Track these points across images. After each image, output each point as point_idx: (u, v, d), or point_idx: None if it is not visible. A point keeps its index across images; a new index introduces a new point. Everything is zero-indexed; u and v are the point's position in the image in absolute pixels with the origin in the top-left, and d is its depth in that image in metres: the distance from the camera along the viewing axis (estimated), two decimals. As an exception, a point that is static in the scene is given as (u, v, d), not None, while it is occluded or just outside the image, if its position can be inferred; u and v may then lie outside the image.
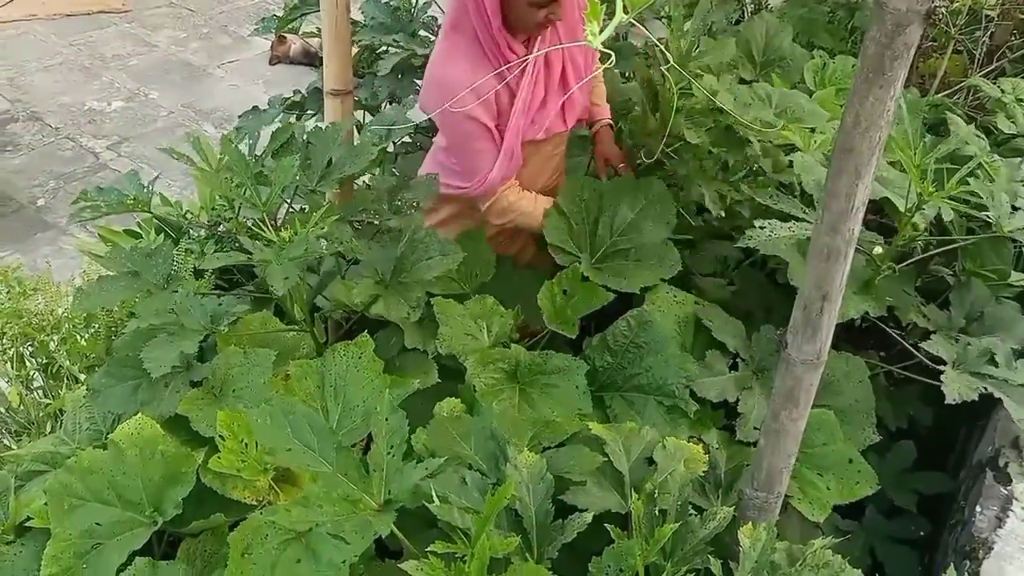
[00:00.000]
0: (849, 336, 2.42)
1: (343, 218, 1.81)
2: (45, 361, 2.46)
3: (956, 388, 1.83)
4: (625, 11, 0.95)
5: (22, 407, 2.42)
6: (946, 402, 1.82)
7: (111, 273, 2.00)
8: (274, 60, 6.16)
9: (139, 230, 3.03)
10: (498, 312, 2.01)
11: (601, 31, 0.93)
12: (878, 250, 2.05)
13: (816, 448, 1.98)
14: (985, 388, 1.88)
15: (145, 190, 2.01)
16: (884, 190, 2.13)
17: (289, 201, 2.00)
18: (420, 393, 1.89)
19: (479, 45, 2.01)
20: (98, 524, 1.74)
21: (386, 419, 1.38)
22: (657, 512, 1.53)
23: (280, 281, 1.60)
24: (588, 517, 1.46)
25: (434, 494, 1.39)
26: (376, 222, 1.87)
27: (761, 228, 1.94)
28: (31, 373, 2.47)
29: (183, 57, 6.29)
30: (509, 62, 2.02)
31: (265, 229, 1.80)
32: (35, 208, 4.64)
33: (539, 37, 2.11)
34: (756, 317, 2.29)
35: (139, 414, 1.85)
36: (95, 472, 1.79)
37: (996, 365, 1.96)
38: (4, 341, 2.40)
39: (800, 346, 1.46)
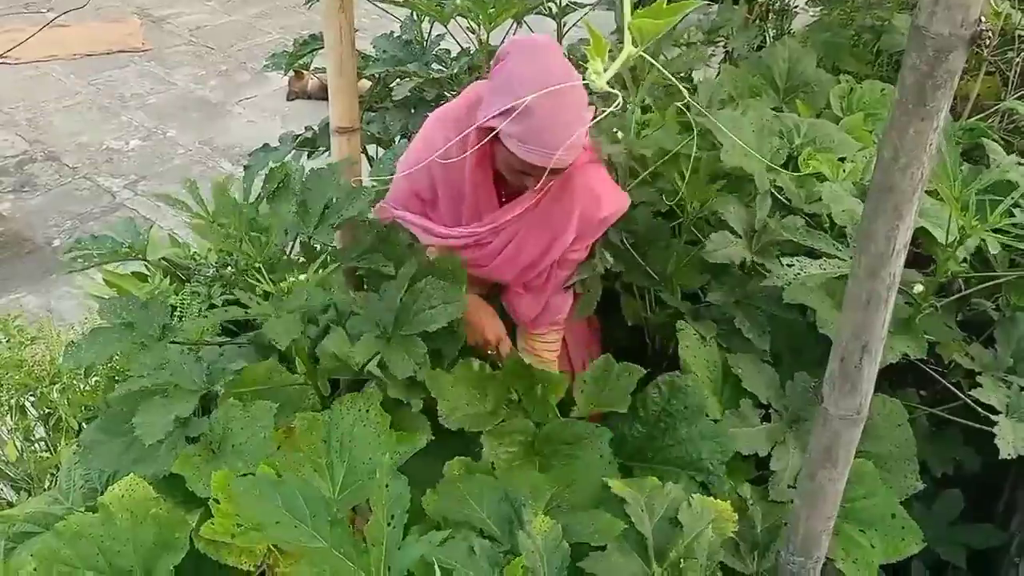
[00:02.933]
0: (884, 372, 2.27)
1: (340, 265, 1.71)
2: (47, 412, 2.37)
3: (1011, 441, 1.68)
4: (634, 44, 0.84)
5: (20, 460, 2.33)
6: (1001, 456, 1.68)
7: (105, 324, 1.92)
8: (292, 96, 6.12)
9: (147, 272, 2.95)
10: (488, 376, 1.89)
11: (606, 70, 0.82)
12: (919, 288, 1.92)
13: (857, 502, 1.84)
14: (1045, 438, 1.73)
15: (141, 237, 1.93)
16: (921, 220, 2.00)
17: (291, 245, 1.91)
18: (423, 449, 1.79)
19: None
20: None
21: (386, 486, 1.27)
22: (684, 582, 1.40)
23: (283, 336, 1.50)
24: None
25: (436, 568, 1.27)
26: (377, 267, 1.77)
27: (790, 266, 1.81)
28: (32, 424, 2.38)
29: (201, 94, 6.28)
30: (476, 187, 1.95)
31: (262, 280, 1.70)
32: (51, 248, 4.60)
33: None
34: (784, 360, 2.16)
35: (131, 474, 1.74)
36: (84, 537, 1.68)
37: (1051, 410, 1.81)
38: (2, 392, 2.31)
39: (837, 401, 1.33)
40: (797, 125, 2.59)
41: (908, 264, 2.13)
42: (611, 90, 0.93)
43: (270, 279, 1.73)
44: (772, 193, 2.18)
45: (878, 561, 1.76)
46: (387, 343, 1.76)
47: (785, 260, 1.82)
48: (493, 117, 1.73)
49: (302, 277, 1.68)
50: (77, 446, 1.85)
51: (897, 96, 1.08)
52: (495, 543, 1.46)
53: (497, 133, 1.71)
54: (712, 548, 1.43)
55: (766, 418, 1.92)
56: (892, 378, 2.30)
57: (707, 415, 1.87)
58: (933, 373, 2.03)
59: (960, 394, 1.93)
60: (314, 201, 1.81)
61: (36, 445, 2.39)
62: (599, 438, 1.79)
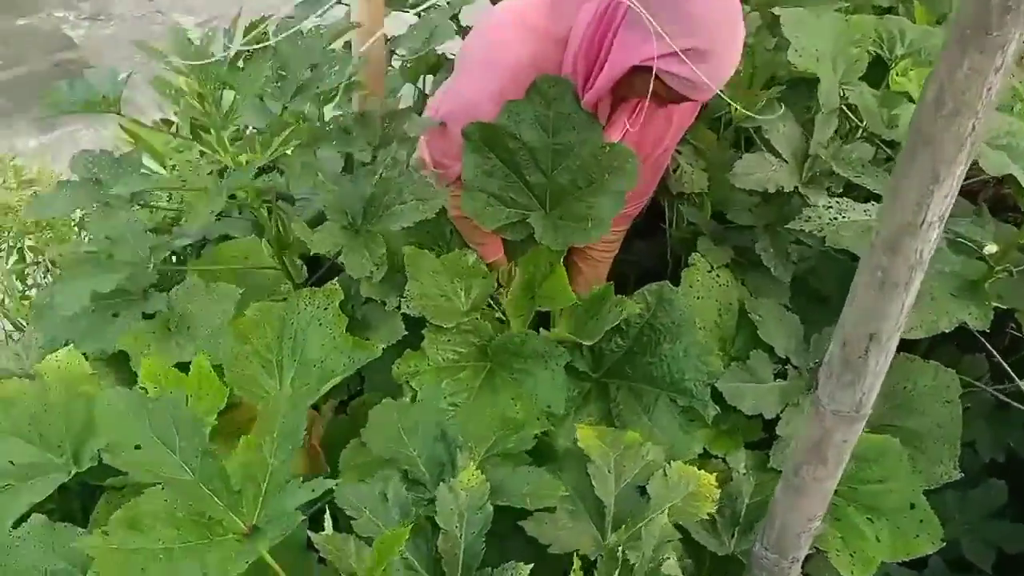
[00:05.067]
0: (939, 341, 1.96)
1: (311, 143, 1.49)
2: (41, 259, 2.29)
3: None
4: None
5: (16, 302, 2.27)
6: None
7: (75, 178, 1.77)
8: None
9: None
10: (480, 273, 1.67)
11: None
12: (991, 248, 1.59)
13: (869, 485, 1.59)
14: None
15: (116, 89, 1.74)
16: (1011, 164, 1.64)
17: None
18: (390, 350, 1.61)
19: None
20: (11, 463, 1.54)
21: (282, 418, 1.09)
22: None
23: (203, 215, 1.31)
24: (525, 572, 1.14)
25: (328, 515, 1.11)
26: (356, 152, 1.55)
27: (827, 208, 1.51)
28: (28, 269, 2.31)
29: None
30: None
31: (220, 152, 1.51)
32: (117, 82, 4.51)
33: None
34: (833, 305, 1.86)
35: (70, 346, 1.62)
36: (17, 404, 1.59)
37: None
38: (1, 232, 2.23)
39: (833, 392, 1.07)
40: (902, 31, 2.19)
41: (991, 211, 1.82)
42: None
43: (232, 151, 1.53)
44: (843, 112, 1.85)
45: (880, 558, 1.52)
46: (353, 235, 1.55)
47: (822, 201, 1.52)
48: (660, 57, 1.42)
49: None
50: (31, 306, 1.73)
51: (954, 15, 0.78)
52: (418, 488, 1.29)
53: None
54: (665, 532, 1.22)
55: (781, 375, 1.66)
56: (960, 341, 1.97)
57: (696, 331, 1.63)
58: (991, 348, 1.72)
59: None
60: (295, 65, 1.59)
61: (32, 290, 2.33)
62: (557, 358, 1.58)
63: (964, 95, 0.80)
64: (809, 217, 1.52)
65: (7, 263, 2.27)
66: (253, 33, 1.56)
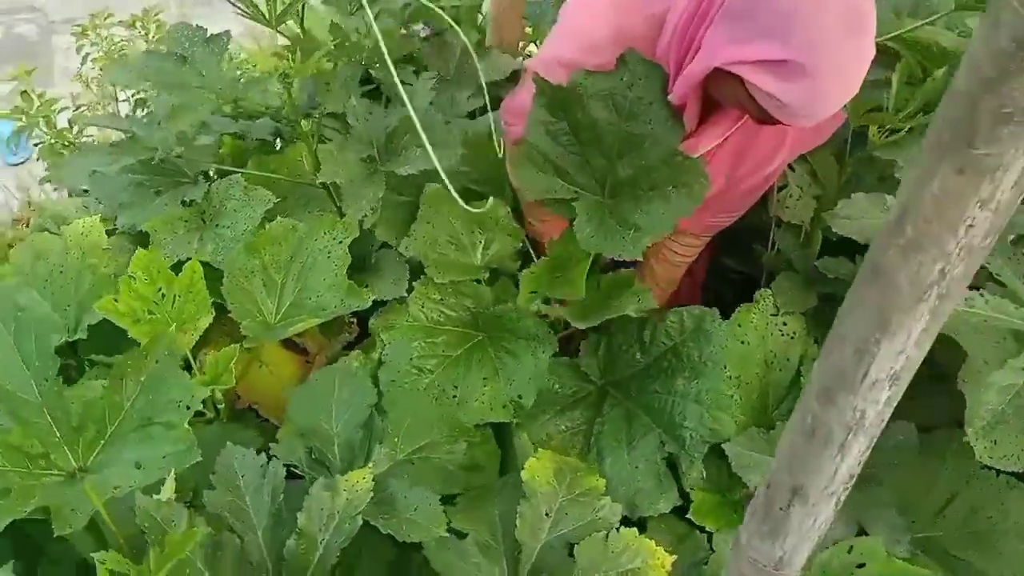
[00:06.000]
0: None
1: (355, 60, 1.36)
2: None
3: None
4: None
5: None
6: None
7: (163, 49, 1.74)
8: None
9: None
10: (507, 228, 1.47)
11: None
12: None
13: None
14: None
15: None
16: None
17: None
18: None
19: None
20: (21, 311, 1.58)
21: (156, 361, 1.00)
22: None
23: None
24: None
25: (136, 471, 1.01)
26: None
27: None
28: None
29: None
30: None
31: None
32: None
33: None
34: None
35: (97, 216, 1.62)
36: (43, 258, 1.62)
37: None
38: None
39: (751, 538, 0.83)
40: None
41: None
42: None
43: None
44: None
45: None
46: (366, 170, 1.42)
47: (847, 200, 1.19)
48: (748, 63, 1.14)
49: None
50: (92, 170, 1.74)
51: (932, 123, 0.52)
52: (319, 470, 1.17)
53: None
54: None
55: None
56: None
57: (723, 380, 1.38)
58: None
59: None
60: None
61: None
62: (545, 346, 1.39)
63: (930, 225, 0.54)
64: (833, 216, 1.20)
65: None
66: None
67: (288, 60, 1.46)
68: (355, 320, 1.75)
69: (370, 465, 1.10)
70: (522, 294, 1.48)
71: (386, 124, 1.40)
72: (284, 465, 1.12)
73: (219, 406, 1.51)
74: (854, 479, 0.73)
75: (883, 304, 0.58)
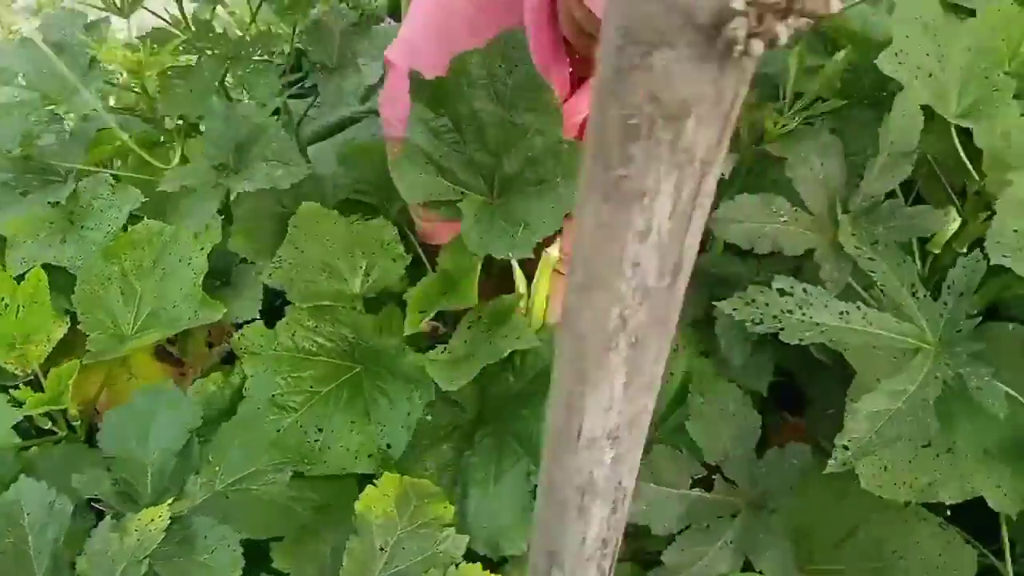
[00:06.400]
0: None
1: (220, 58, 1.25)
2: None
3: None
4: None
5: None
6: None
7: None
8: None
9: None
10: (393, 251, 1.37)
11: None
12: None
13: None
14: None
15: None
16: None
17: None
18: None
19: None
20: None
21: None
22: None
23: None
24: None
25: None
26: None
27: (787, 293, 1.08)
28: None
29: None
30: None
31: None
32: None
33: None
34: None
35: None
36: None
37: None
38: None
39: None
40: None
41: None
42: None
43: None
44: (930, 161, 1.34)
45: None
46: (216, 179, 1.31)
47: (782, 282, 1.08)
48: None
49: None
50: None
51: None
52: (128, 505, 1.07)
53: None
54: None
55: (704, 484, 1.26)
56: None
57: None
58: None
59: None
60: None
61: None
62: (422, 392, 1.28)
63: (595, 263, 0.43)
64: (753, 300, 1.08)
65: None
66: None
67: (140, 52, 1.35)
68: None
69: (170, 501, 0.99)
70: (410, 316, 1.36)
71: (234, 133, 1.29)
72: (88, 499, 1.02)
73: (74, 424, 1.42)
74: (613, 544, 0.63)
75: (576, 355, 0.48)
